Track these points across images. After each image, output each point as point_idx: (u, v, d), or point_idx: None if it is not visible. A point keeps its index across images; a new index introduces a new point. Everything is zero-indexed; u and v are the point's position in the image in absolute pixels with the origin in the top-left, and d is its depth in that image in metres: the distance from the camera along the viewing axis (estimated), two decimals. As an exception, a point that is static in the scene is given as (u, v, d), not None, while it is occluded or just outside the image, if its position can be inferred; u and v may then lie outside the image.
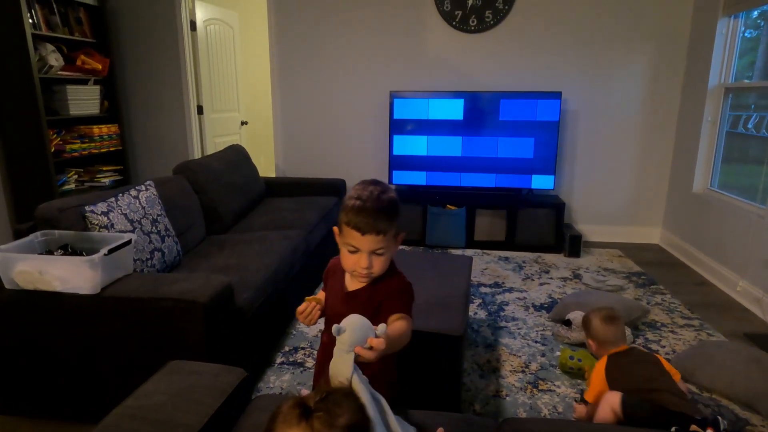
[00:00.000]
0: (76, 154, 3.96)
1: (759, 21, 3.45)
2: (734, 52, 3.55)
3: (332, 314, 1.36)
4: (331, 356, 1.06)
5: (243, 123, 5.45)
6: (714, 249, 3.51)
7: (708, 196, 3.68)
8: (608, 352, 1.85)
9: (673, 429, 1.48)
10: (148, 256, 2.19)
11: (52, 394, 1.90)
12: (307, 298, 1.34)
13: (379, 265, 1.24)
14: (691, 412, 1.54)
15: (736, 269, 3.24)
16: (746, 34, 3.52)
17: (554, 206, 4.01)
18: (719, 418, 1.52)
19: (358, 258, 1.21)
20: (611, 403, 1.63)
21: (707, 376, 2.16)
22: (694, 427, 1.42)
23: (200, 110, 4.65)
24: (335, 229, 1.27)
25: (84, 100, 4.04)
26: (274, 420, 0.81)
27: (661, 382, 1.69)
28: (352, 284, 1.32)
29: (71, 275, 1.75)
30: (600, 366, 1.81)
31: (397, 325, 1.23)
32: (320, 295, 1.44)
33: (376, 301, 1.28)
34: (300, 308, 1.31)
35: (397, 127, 4.15)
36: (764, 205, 3.03)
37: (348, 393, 0.87)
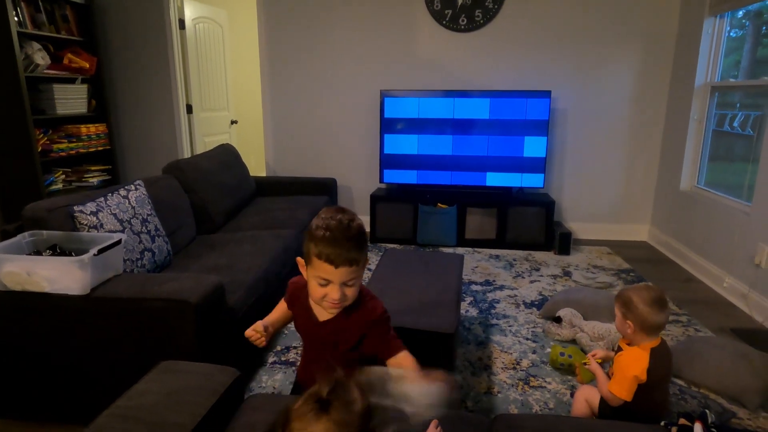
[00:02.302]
0: (63, 153, 3.91)
1: (744, 21, 3.50)
2: (720, 52, 3.60)
3: (306, 336, 1.36)
4: (311, 375, 1.09)
5: (233, 122, 5.42)
6: (701, 246, 3.56)
7: (695, 194, 3.73)
8: (648, 343, 1.58)
9: (662, 423, 1.50)
10: (138, 256, 2.17)
11: (42, 395, 1.87)
12: (256, 325, 1.33)
13: (351, 295, 1.19)
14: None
15: (722, 265, 3.29)
16: (731, 34, 3.57)
17: (544, 204, 4.03)
18: (707, 411, 1.54)
19: (329, 290, 1.15)
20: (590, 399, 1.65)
21: (695, 371, 2.19)
22: (683, 420, 1.44)
23: (189, 109, 4.62)
24: (300, 260, 1.22)
25: (71, 99, 4.00)
26: (288, 420, 0.78)
27: (669, 377, 1.67)
28: (321, 314, 1.27)
29: (60, 276, 1.73)
30: (640, 359, 1.55)
31: (411, 363, 1.24)
32: (274, 314, 1.43)
33: (356, 334, 1.25)
34: (247, 333, 1.32)
35: (388, 126, 4.15)
36: (750, 203, 3.07)
37: (353, 378, 0.87)
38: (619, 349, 1.67)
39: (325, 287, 1.15)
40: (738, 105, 3.46)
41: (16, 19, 3.48)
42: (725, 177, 3.62)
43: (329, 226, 1.13)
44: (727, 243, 3.23)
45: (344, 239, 1.12)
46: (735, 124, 3.44)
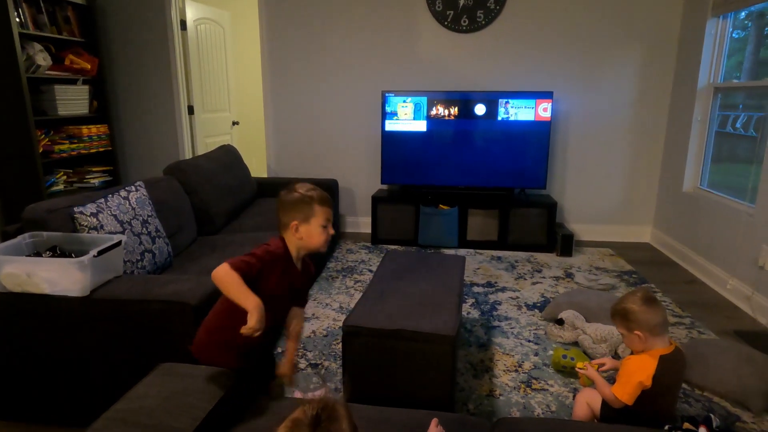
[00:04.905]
0: (64, 154, 3.91)
1: (746, 22, 3.49)
2: (723, 53, 3.58)
3: (274, 298, 1.47)
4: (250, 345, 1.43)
5: (234, 123, 5.41)
6: (704, 247, 3.54)
7: (698, 195, 3.71)
8: (659, 349, 1.54)
9: (666, 428, 1.49)
10: (139, 258, 2.16)
11: (41, 398, 1.87)
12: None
13: None
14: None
15: (725, 267, 3.27)
16: (734, 35, 3.55)
17: (546, 206, 4.02)
18: (711, 415, 1.53)
19: (329, 228, 1.56)
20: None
21: (699, 374, 2.18)
22: (687, 424, 1.43)
23: (191, 110, 4.62)
24: (294, 224, 1.51)
25: (72, 100, 4.00)
26: None
27: (679, 385, 1.65)
28: (297, 264, 1.59)
29: (60, 277, 1.73)
30: (647, 365, 1.52)
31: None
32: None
33: (309, 274, 1.68)
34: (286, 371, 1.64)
35: (390, 126, 4.14)
36: (753, 204, 3.05)
37: (334, 403, 0.83)
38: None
39: (326, 228, 1.55)
40: (741, 106, 3.45)
41: (17, 20, 3.48)
42: (728, 178, 3.60)
43: (309, 189, 1.56)
44: (731, 245, 3.22)
45: (327, 195, 1.59)
46: (738, 126, 3.43)
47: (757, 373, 2.09)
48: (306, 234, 1.53)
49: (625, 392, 1.52)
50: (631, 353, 1.63)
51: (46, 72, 3.74)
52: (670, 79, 4.09)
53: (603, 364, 1.75)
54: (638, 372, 1.52)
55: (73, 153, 3.99)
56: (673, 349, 1.56)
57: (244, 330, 1.26)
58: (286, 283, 1.54)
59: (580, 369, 1.75)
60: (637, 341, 1.55)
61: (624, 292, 3.22)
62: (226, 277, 1.36)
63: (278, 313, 1.59)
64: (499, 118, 4.01)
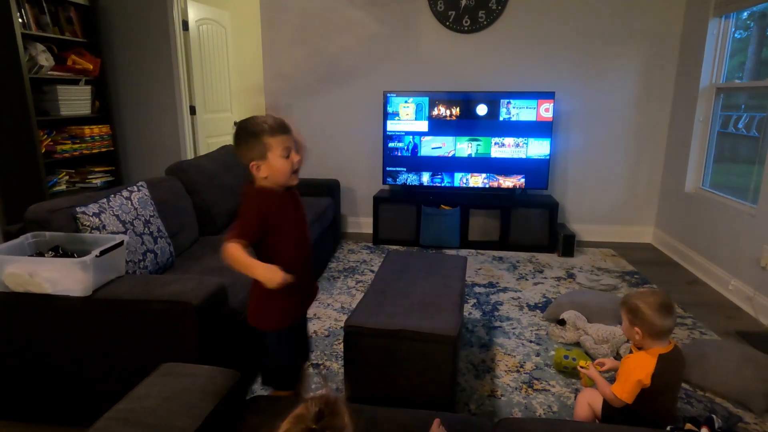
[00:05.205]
0: (67, 154, 3.92)
1: (749, 22, 3.48)
2: (725, 53, 3.58)
3: (292, 224, 1.52)
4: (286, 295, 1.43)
5: (236, 123, 5.41)
6: (706, 248, 3.54)
7: (700, 196, 3.70)
8: (658, 348, 1.56)
9: (668, 428, 1.48)
10: (141, 258, 2.17)
11: (43, 397, 1.87)
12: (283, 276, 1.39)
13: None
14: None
15: (727, 268, 3.27)
16: (736, 35, 3.55)
17: (548, 206, 4.02)
18: (713, 416, 1.53)
19: (293, 156, 1.46)
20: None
21: (700, 374, 2.17)
22: (689, 425, 1.43)
23: (193, 110, 4.63)
24: (254, 164, 1.43)
25: (75, 100, 4.00)
26: None
27: (679, 384, 1.66)
28: (293, 191, 1.55)
29: (62, 277, 1.73)
30: (645, 364, 1.54)
31: None
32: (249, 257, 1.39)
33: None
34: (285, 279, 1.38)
35: (391, 127, 4.14)
36: (755, 204, 3.05)
37: (336, 398, 0.84)
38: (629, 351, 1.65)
39: (288, 157, 1.45)
40: (743, 106, 3.44)
41: (20, 20, 3.49)
42: (730, 179, 3.59)
43: (265, 120, 1.44)
44: (733, 245, 3.21)
45: (281, 120, 1.46)
46: (740, 126, 3.42)
47: (759, 373, 2.09)
48: (269, 171, 1.44)
49: (624, 391, 1.53)
50: (630, 352, 1.63)
51: (49, 72, 3.75)
52: (672, 79, 4.08)
53: (603, 364, 1.75)
54: (637, 370, 1.53)
55: (75, 153, 4.00)
56: (672, 348, 1.57)
57: (272, 285, 1.35)
58: (291, 206, 1.52)
59: (582, 368, 1.75)
60: (634, 335, 1.58)
61: (626, 292, 3.22)
62: (230, 254, 1.38)
63: (301, 242, 1.56)
64: (501, 118, 4.00)
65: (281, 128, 1.43)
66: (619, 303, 1.66)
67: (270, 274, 1.35)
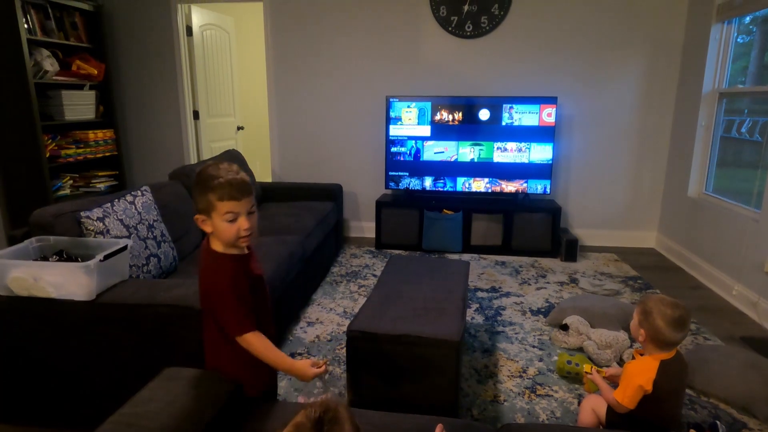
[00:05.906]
0: (71, 159, 3.94)
1: (751, 27, 3.49)
2: (728, 58, 3.58)
3: (258, 294, 1.38)
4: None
5: (239, 128, 5.44)
6: (709, 253, 3.53)
7: (703, 201, 3.70)
8: (660, 354, 1.56)
9: (671, 434, 1.48)
10: (144, 262, 2.18)
11: (47, 401, 1.88)
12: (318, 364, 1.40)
13: (256, 223, 1.32)
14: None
15: (731, 273, 3.26)
16: (739, 40, 3.55)
17: (550, 211, 4.01)
18: (717, 422, 1.52)
19: (240, 222, 1.27)
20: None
21: (704, 380, 2.16)
22: (693, 431, 1.42)
23: (196, 115, 4.65)
24: (198, 217, 1.30)
25: (79, 105, 4.03)
26: None
27: (683, 390, 1.65)
28: (252, 262, 1.40)
29: (66, 281, 1.74)
30: (647, 369, 1.53)
31: None
32: (273, 347, 1.36)
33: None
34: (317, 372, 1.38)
35: (393, 131, 4.15)
36: (758, 209, 3.04)
37: (336, 405, 0.83)
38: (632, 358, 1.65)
39: (235, 222, 1.26)
40: (746, 111, 3.44)
41: (25, 26, 3.51)
42: (733, 183, 3.59)
43: (221, 177, 1.25)
44: (736, 250, 3.20)
45: (240, 181, 1.27)
46: (743, 130, 3.42)
47: (763, 379, 2.08)
48: (213, 229, 1.29)
49: (626, 396, 1.53)
50: (633, 358, 1.63)
51: (54, 77, 3.77)
52: (675, 84, 4.08)
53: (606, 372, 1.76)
54: (638, 375, 1.53)
55: (79, 158, 4.02)
56: (674, 354, 1.57)
57: (306, 380, 1.37)
58: (252, 273, 1.38)
59: (588, 373, 1.75)
60: (638, 335, 1.58)
61: (628, 297, 3.21)
62: (256, 347, 1.33)
63: (261, 300, 1.41)
64: (503, 123, 4.01)
65: (235, 192, 1.24)
66: (637, 303, 1.64)
67: (306, 371, 1.36)
